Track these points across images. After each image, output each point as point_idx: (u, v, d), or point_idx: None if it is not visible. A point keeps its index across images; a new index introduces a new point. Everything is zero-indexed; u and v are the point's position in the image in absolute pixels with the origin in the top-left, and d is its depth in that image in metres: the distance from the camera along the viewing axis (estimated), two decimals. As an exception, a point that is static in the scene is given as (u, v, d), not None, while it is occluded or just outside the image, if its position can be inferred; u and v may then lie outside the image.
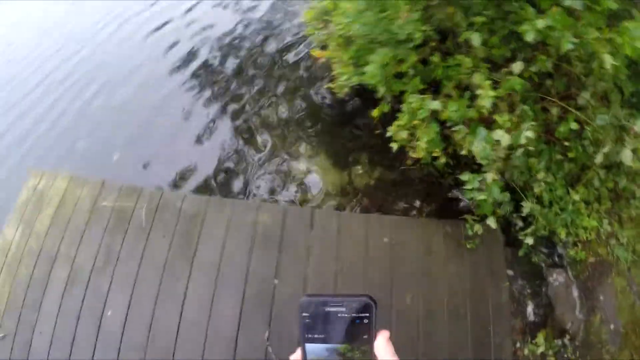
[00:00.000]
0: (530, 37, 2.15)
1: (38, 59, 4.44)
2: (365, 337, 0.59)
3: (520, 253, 2.84)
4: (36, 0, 5.26)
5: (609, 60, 2.05)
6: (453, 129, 2.55)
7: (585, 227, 2.68)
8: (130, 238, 2.83)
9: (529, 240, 2.71)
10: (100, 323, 2.62)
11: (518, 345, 2.80)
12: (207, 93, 3.87)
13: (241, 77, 3.95)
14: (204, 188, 3.33)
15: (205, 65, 4.15)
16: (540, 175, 2.61)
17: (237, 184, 3.36)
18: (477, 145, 2.45)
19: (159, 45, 4.37)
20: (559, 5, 2.11)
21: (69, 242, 2.86)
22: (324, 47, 3.05)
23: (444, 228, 2.97)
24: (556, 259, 3.12)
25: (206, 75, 4.06)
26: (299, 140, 3.55)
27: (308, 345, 0.60)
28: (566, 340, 2.84)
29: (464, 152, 2.56)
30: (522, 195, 2.72)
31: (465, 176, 2.52)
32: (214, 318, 2.59)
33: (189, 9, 4.77)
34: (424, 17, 2.73)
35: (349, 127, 3.62)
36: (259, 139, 3.56)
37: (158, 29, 4.56)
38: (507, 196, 2.56)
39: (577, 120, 2.40)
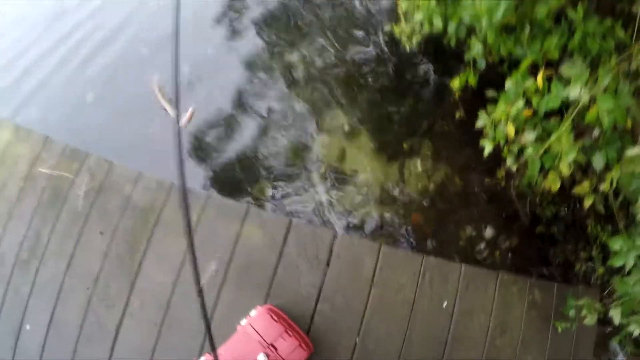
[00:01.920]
0: None
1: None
2: None
3: (615, 341, 1.84)
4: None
5: None
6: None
7: None
8: (62, 225, 1.88)
9: (636, 330, 1.55)
10: (17, 337, 1.84)
11: None
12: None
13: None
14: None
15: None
16: None
17: (226, 170, 2.18)
18: None
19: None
20: None
21: (1, 214, 2.02)
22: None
23: (530, 293, 1.78)
24: None
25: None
26: (333, 108, 2.26)
27: None
28: None
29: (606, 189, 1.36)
30: None
31: (615, 243, 1.30)
32: None
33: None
34: None
35: (411, 98, 2.25)
36: (274, 99, 2.35)
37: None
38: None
39: None
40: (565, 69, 1.29)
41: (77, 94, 2.44)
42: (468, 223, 2.05)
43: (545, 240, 2.06)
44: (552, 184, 1.41)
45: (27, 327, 1.85)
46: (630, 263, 1.33)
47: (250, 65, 2.37)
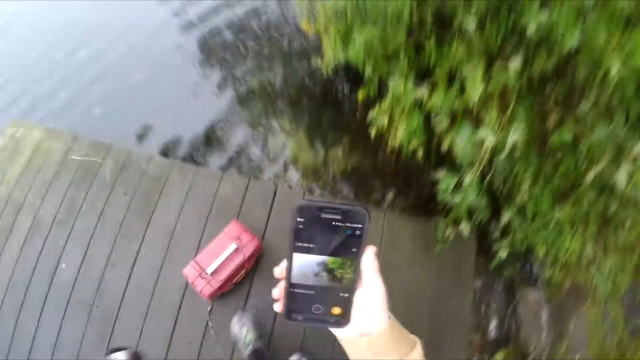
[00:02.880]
0: (531, 31, 1.83)
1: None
2: (355, 250, 0.56)
3: (492, 265, 2.53)
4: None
5: (615, 66, 1.71)
6: (434, 119, 2.33)
7: (567, 248, 2.38)
8: (93, 193, 2.70)
9: (503, 253, 2.41)
10: (53, 275, 2.55)
11: (474, 360, 2.58)
12: (195, 55, 3.66)
13: (232, 41, 3.70)
14: (171, 149, 3.18)
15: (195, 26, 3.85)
16: (525, 185, 2.27)
17: (206, 150, 3.20)
18: (459, 143, 2.22)
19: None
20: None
21: (36, 192, 2.76)
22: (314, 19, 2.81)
23: (413, 226, 2.71)
24: (531, 277, 2.88)
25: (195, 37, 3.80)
26: (279, 114, 3.31)
27: (296, 255, 0.56)
28: (526, 365, 2.60)
29: (444, 148, 2.33)
30: (504, 204, 2.43)
31: (440, 174, 2.30)
32: (161, 284, 2.47)
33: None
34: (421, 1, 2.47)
35: (333, 107, 3.33)
36: (238, 108, 3.36)
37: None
38: (483, 201, 2.33)
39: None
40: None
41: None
42: (375, 189, 3.06)
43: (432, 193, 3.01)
44: (395, 142, 2.39)
45: (63, 265, 2.58)
46: (451, 186, 2.27)
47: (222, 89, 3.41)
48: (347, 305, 0.59)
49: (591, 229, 2.41)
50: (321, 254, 0.56)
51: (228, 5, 3.87)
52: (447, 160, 2.56)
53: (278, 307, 0.59)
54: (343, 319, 0.59)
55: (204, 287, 2.24)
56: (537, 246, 2.41)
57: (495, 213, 2.47)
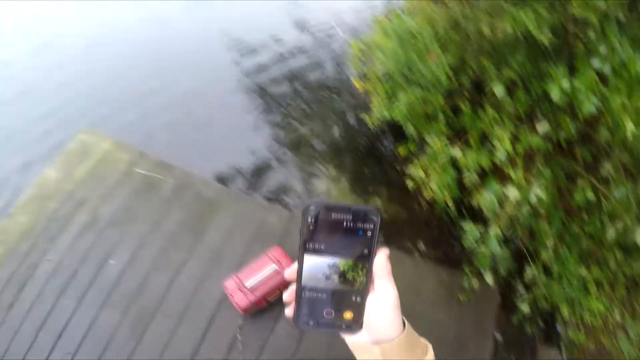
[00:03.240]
0: (556, 97, 2.10)
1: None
2: (366, 252, 0.55)
3: (515, 320, 2.63)
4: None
5: (630, 128, 1.92)
6: (466, 174, 2.58)
7: (592, 310, 2.38)
8: (151, 204, 2.97)
9: (525, 308, 2.51)
10: (100, 268, 2.75)
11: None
12: (256, 100, 4.19)
13: (291, 91, 4.24)
14: (225, 178, 3.55)
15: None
16: (550, 242, 2.40)
17: (259, 183, 3.55)
18: (486, 197, 2.44)
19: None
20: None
21: (98, 194, 3.04)
22: (365, 78, 3.25)
23: (439, 275, 2.83)
24: (553, 336, 2.89)
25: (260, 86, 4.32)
26: (327, 161, 3.67)
27: (307, 257, 0.56)
28: None
29: (474, 203, 2.55)
30: (530, 260, 2.55)
31: (467, 225, 2.49)
32: (199, 294, 2.62)
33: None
34: (459, 67, 2.87)
35: (376, 158, 3.68)
36: (290, 151, 3.77)
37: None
38: (506, 253, 2.47)
39: (595, 192, 2.25)
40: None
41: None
42: (409, 237, 3.25)
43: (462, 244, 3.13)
44: (428, 194, 2.63)
45: (111, 261, 2.77)
46: (476, 235, 2.46)
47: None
48: (359, 309, 0.57)
49: (620, 291, 2.46)
50: (332, 255, 0.55)
51: (297, 70, 4.47)
52: (477, 213, 2.77)
53: (288, 312, 0.58)
54: (355, 325, 0.58)
55: (241, 299, 2.41)
56: (561, 305, 2.46)
57: (522, 268, 2.59)
